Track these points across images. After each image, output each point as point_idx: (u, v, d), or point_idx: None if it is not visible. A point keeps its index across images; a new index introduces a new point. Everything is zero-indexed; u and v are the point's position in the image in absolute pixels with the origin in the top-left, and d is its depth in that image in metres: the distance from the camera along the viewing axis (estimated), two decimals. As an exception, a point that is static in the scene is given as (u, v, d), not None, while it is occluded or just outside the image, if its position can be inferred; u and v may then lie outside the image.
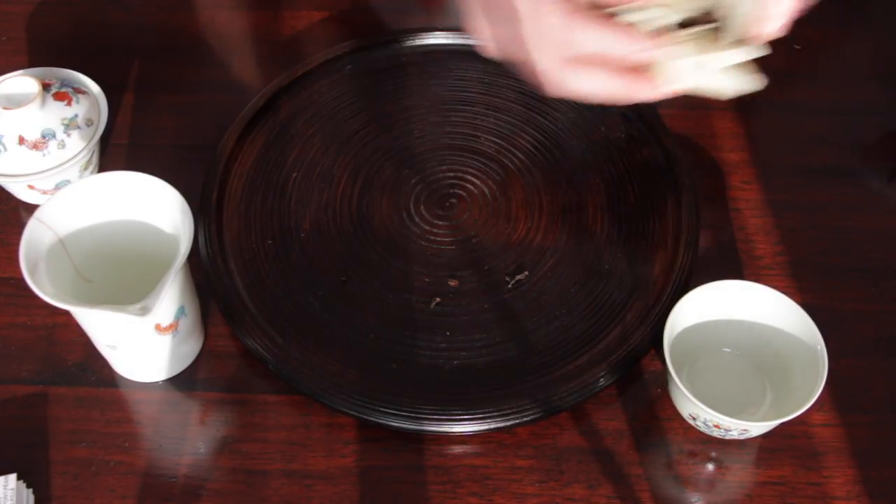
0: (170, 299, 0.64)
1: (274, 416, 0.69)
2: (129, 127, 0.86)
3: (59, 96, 0.77)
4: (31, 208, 0.78)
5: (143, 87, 0.89)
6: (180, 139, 0.85)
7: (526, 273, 0.76)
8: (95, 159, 0.81)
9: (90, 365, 0.71)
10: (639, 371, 0.72)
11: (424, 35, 0.91)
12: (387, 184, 0.82)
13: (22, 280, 0.61)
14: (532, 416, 0.68)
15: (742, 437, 0.67)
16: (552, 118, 0.86)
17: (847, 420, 0.70)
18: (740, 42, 0.52)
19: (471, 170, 0.83)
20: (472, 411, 0.67)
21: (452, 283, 0.76)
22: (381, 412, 0.67)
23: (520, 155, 0.84)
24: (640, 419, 0.70)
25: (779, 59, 0.92)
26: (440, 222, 0.80)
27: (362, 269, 0.77)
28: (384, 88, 0.89)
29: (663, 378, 0.71)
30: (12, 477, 0.63)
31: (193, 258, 0.74)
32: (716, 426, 0.65)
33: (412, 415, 0.67)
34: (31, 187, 0.77)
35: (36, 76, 0.77)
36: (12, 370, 0.71)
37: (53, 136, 0.75)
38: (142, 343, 0.66)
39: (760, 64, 0.96)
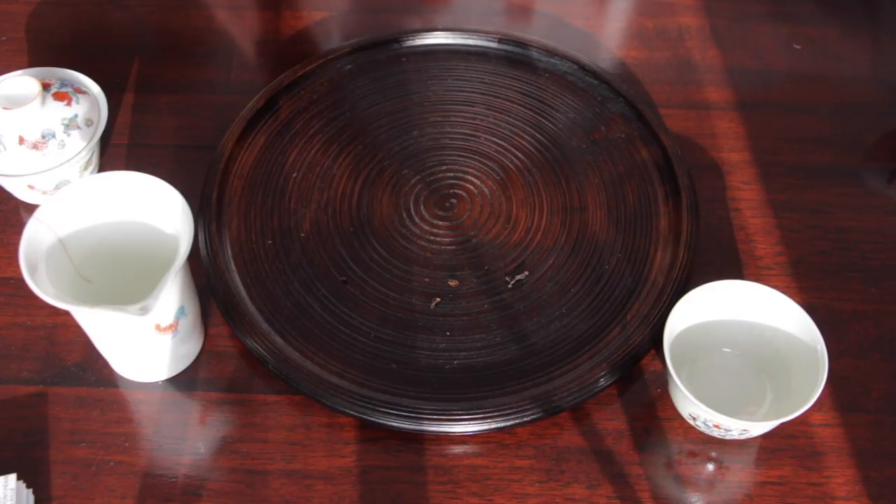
0: (170, 299, 0.64)
1: (274, 416, 0.69)
2: (129, 127, 0.86)
3: (59, 96, 0.77)
4: (31, 208, 0.78)
5: (143, 87, 0.89)
6: (180, 139, 0.85)
7: (526, 273, 0.76)
8: (95, 159, 0.81)
9: (90, 365, 0.71)
10: (639, 371, 0.72)
11: (424, 35, 0.91)
12: (387, 184, 0.82)
13: (22, 280, 0.61)
14: (532, 416, 0.68)
15: (742, 437, 0.67)
16: (552, 118, 0.86)
17: (847, 420, 0.70)
18: None
19: (471, 170, 0.83)
20: (472, 411, 0.67)
21: (452, 283, 0.76)
22: (381, 412, 0.67)
23: (520, 155, 0.84)
24: (640, 419, 0.70)
25: (779, 59, 0.94)
26: (440, 222, 0.80)
27: (362, 269, 0.77)
28: (384, 88, 0.89)
29: (663, 378, 0.71)
30: (12, 477, 0.63)
31: (193, 258, 0.74)
32: (716, 426, 0.65)
33: (412, 415, 0.67)
34: (31, 187, 0.77)
35: (36, 76, 0.77)
36: (12, 370, 0.71)
37: (53, 136, 0.75)
38: (142, 343, 0.66)
39: (761, 63, 0.96)
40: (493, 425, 0.67)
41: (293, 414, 0.69)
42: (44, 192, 0.78)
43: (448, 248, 0.78)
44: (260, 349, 0.70)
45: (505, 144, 0.85)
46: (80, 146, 0.77)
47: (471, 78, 0.90)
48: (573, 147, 0.84)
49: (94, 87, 0.80)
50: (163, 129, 0.86)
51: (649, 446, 0.68)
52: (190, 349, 0.71)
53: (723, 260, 0.78)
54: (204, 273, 0.75)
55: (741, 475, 0.67)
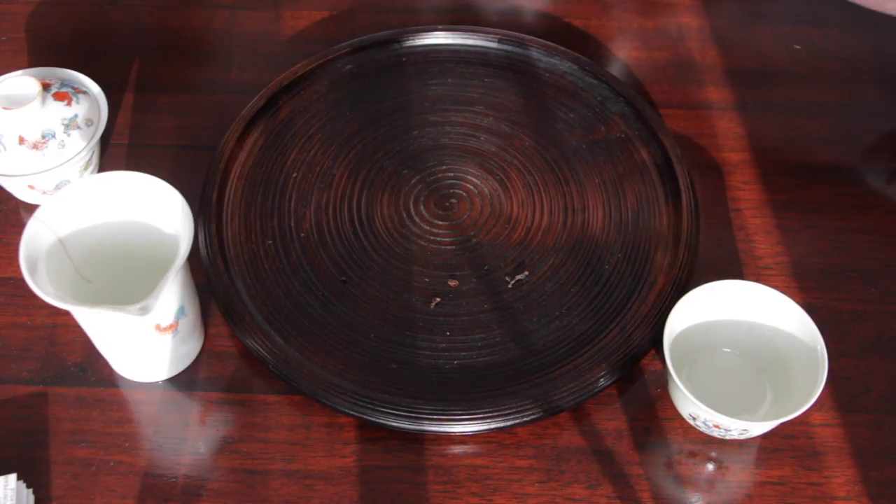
0: (170, 299, 0.64)
1: (274, 416, 0.69)
2: (129, 127, 0.86)
3: (59, 96, 0.77)
4: (31, 208, 0.78)
5: (143, 87, 0.89)
6: (180, 139, 0.85)
7: (526, 273, 0.76)
8: (95, 159, 0.81)
9: (90, 365, 0.71)
10: (639, 371, 0.72)
11: (424, 35, 0.91)
12: (387, 184, 0.82)
13: (22, 280, 0.61)
14: (532, 416, 0.68)
15: (742, 437, 0.67)
16: (552, 118, 0.86)
17: (847, 420, 0.70)
18: None
19: (471, 170, 0.83)
20: (472, 411, 0.67)
21: (452, 283, 0.76)
22: (381, 412, 0.67)
23: (519, 155, 0.84)
24: (640, 419, 0.70)
25: (779, 59, 0.94)
26: (440, 222, 0.80)
27: (362, 269, 0.77)
28: (384, 88, 0.89)
29: (663, 378, 0.71)
30: (12, 477, 0.63)
31: (193, 258, 0.74)
32: (716, 426, 0.65)
33: (412, 415, 0.67)
34: (31, 187, 0.77)
35: (36, 76, 0.77)
36: (12, 370, 0.71)
37: (53, 136, 0.75)
38: (142, 343, 0.66)
39: (761, 63, 0.96)
40: (493, 425, 0.67)
41: (293, 414, 0.69)
42: (44, 192, 0.78)
43: (448, 248, 0.78)
44: (260, 349, 0.70)
45: (505, 144, 0.85)
46: (80, 146, 0.77)
47: (471, 78, 0.90)
48: (573, 147, 0.84)
49: (94, 87, 0.80)
50: (163, 129, 0.86)
51: (649, 446, 0.68)
52: (190, 349, 0.71)
53: (723, 260, 0.78)
54: (204, 273, 0.75)
55: (741, 475, 0.67)
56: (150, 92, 0.89)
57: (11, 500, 0.62)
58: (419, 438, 0.68)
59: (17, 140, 0.74)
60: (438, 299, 0.75)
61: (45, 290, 0.60)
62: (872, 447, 0.68)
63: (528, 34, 0.92)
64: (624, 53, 0.94)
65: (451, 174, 0.83)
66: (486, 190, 0.82)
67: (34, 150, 0.75)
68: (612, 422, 0.69)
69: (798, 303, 0.68)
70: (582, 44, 0.94)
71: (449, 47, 0.92)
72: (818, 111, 0.89)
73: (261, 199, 0.80)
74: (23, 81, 0.75)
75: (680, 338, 0.69)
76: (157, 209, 0.67)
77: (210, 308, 0.74)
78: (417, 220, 0.80)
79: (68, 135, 0.76)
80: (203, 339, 0.73)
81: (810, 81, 0.92)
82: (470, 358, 0.72)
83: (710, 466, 0.68)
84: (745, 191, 0.83)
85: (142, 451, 0.67)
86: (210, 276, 0.74)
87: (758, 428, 0.64)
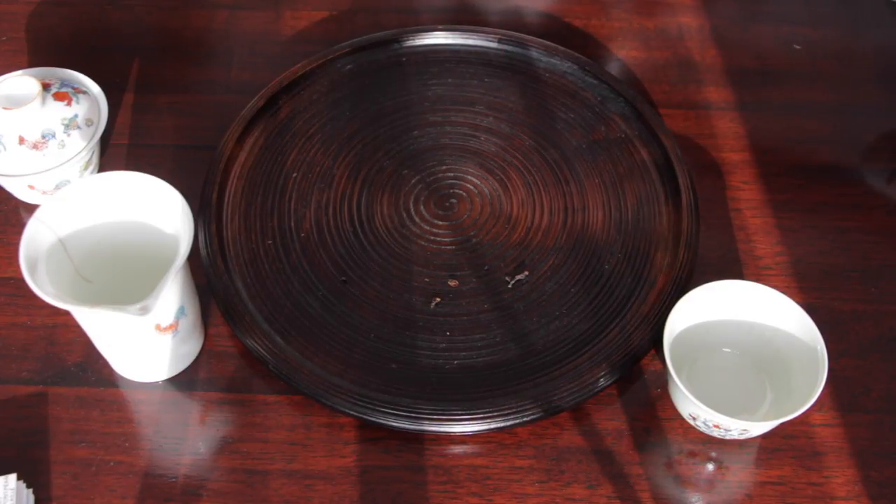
0: (170, 299, 0.64)
1: (274, 416, 0.69)
2: (129, 127, 0.86)
3: (59, 96, 0.77)
4: (31, 208, 0.78)
5: (143, 87, 0.89)
6: (180, 139, 0.85)
7: (526, 273, 0.76)
8: (95, 159, 0.81)
9: (90, 365, 0.71)
10: (639, 371, 0.72)
11: (424, 35, 0.91)
12: (387, 184, 0.82)
13: (22, 280, 0.61)
14: (532, 416, 0.68)
15: (742, 437, 0.67)
16: (552, 118, 0.86)
17: (847, 420, 0.70)
18: None
19: (471, 170, 0.83)
20: (472, 411, 0.67)
21: (452, 283, 0.76)
22: (381, 412, 0.67)
23: (519, 155, 0.84)
24: (640, 419, 0.70)
25: (779, 59, 0.94)
26: (440, 222, 0.80)
27: (362, 269, 0.77)
28: (384, 88, 0.89)
29: (663, 378, 0.71)
30: (12, 477, 0.63)
31: (193, 258, 0.74)
32: (716, 426, 0.65)
33: (412, 415, 0.67)
34: (31, 187, 0.77)
35: (36, 76, 0.77)
36: (12, 370, 0.71)
37: (53, 136, 0.75)
38: (142, 343, 0.66)
39: (761, 63, 0.96)
40: (493, 425, 0.67)
41: (293, 414, 0.69)
42: (44, 192, 0.78)
43: (448, 248, 0.78)
44: (260, 349, 0.70)
45: (505, 144, 0.85)
46: (80, 146, 0.77)
47: (471, 78, 0.90)
48: (573, 147, 0.84)
49: (94, 87, 0.80)
50: (163, 129, 0.86)
51: (649, 446, 0.68)
52: (190, 349, 0.71)
53: (723, 260, 0.78)
54: (204, 273, 0.75)
55: (741, 475, 0.67)
56: (150, 92, 0.89)
57: (11, 500, 0.62)
58: (419, 438, 0.68)
59: (17, 140, 0.74)
60: (438, 299, 0.75)
61: (45, 290, 0.60)
62: (872, 447, 0.68)
63: (528, 34, 0.92)
64: (624, 53, 0.94)
65: (451, 174, 0.83)
66: (486, 190, 0.82)
67: (34, 150, 0.75)
68: (612, 422, 0.69)
69: (798, 303, 0.68)
70: (582, 44, 0.94)
71: (449, 47, 0.92)
72: (818, 111, 0.89)
73: (261, 199, 0.80)
74: (23, 81, 0.75)
75: (680, 338, 0.69)
76: (157, 209, 0.67)
77: (210, 308, 0.75)
78: (417, 220, 0.80)
79: (68, 135, 0.76)
80: (203, 339, 0.73)
81: (810, 81, 0.92)
82: (470, 358, 0.72)
83: (710, 466, 0.68)
84: (745, 191, 0.83)
85: (142, 451, 0.67)
86: (210, 276, 0.74)
87: (758, 428, 0.64)
